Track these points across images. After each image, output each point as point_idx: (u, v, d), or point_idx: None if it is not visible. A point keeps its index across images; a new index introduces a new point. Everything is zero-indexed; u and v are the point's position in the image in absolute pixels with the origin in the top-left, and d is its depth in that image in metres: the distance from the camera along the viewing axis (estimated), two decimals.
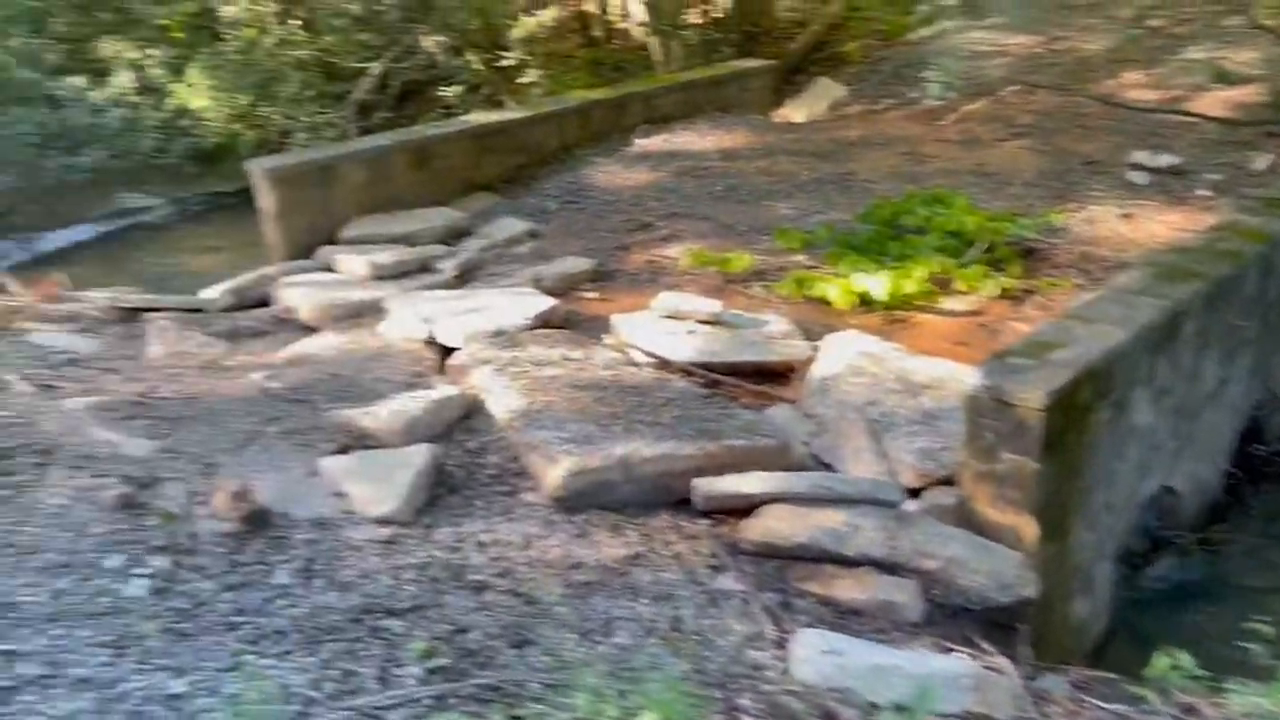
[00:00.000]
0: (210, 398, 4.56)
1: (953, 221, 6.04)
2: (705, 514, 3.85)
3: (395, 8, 12.62)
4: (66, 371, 4.85)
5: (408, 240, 7.07)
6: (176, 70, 12.16)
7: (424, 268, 6.57)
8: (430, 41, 13.44)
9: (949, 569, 3.52)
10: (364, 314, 5.73)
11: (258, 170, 7.14)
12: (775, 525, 3.58)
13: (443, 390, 4.49)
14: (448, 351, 5.13)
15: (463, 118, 8.68)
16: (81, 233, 12.11)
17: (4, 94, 11.92)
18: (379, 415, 4.17)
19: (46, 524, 3.06)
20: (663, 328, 5.13)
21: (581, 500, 3.76)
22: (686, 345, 4.96)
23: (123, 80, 11.79)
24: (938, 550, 3.52)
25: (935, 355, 4.85)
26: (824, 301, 5.59)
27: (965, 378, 3.93)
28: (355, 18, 12.72)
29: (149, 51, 11.78)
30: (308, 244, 7.20)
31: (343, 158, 7.41)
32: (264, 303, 6.30)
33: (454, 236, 7.33)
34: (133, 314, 5.89)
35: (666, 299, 5.35)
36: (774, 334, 5.18)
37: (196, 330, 5.59)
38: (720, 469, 3.89)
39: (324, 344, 5.28)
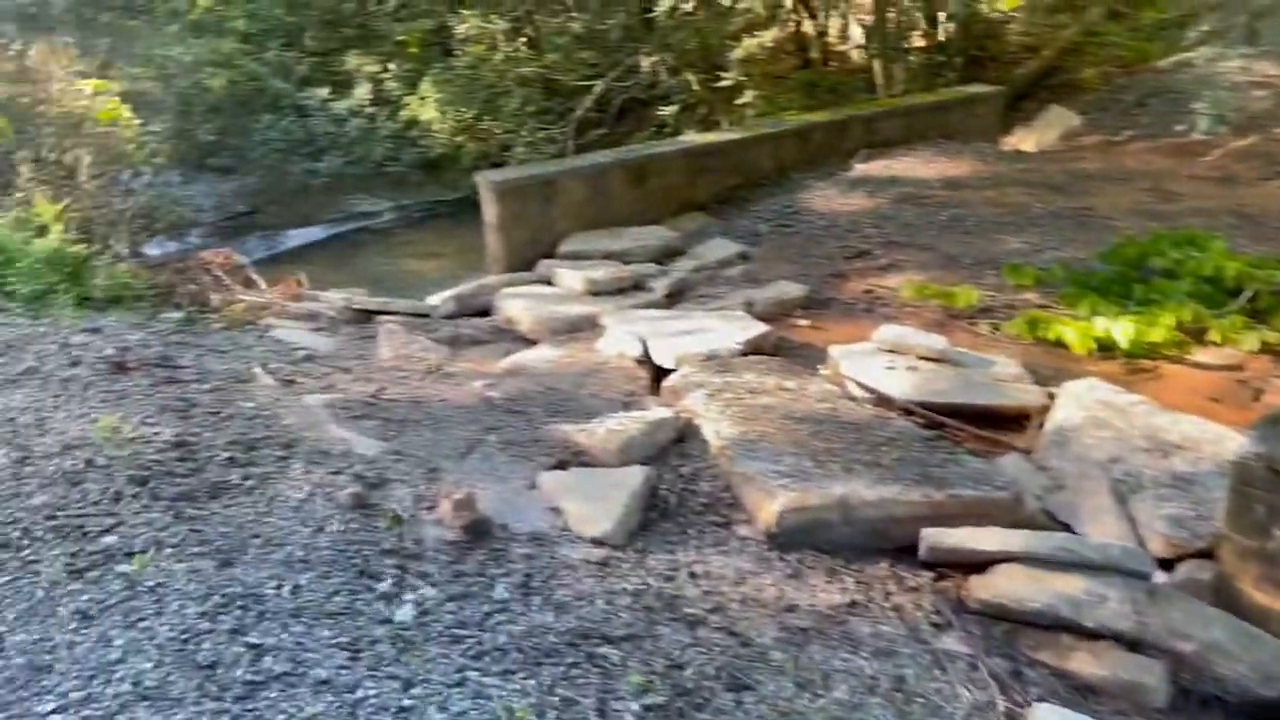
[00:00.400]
0: (434, 403, 4.70)
1: (1208, 266, 5.54)
2: (927, 565, 3.63)
3: (617, 27, 12.91)
4: (305, 367, 5.13)
5: (622, 257, 7.14)
6: (410, 84, 12.86)
7: (637, 286, 6.60)
8: (649, 61, 13.70)
9: (1205, 654, 3.17)
10: (580, 329, 5.80)
11: (484, 183, 7.38)
12: (1009, 586, 3.33)
13: (657, 412, 4.45)
14: (661, 371, 5.11)
15: (680, 137, 8.73)
16: (316, 233, 12.98)
17: (258, 103, 12.94)
18: (595, 433, 4.17)
19: (288, 518, 3.20)
20: (882, 362, 4.93)
21: (796, 539, 3.62)
22: (908, 382, 4.74)
23: (362, 92, 12.54)
24: (1194, 631, 3.17)
25: (1186, 412, 4.43)
26: (1059, 345, 5.24)
27: (1227, 440, 3.55)
28: (577, 37, 13.08)
29: (388, 66, 12.47)
30: (527, 256, 7.39)
31: (564, 173, 7.57)
32: (485, 312, 6.50)
33: (666, 256, 7.34)
34: (365, 315, 6.20)
35: (887, 332, 5.14)
36: (1003, 376, 4.88)
37: (422, 335, 5.81)
38: (946, 519, 3.66)
39: (541, 356, 5.36)
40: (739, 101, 10.62)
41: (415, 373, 5.23)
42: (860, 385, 4.77)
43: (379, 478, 3.79)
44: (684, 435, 4.38)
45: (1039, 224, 6.90)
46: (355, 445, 4.08)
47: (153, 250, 10.88)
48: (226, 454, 3.68)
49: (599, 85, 11.21)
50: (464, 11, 12.22)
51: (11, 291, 5.25)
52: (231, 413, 4.12)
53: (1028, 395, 4.70)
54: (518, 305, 6.20)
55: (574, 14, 12.75)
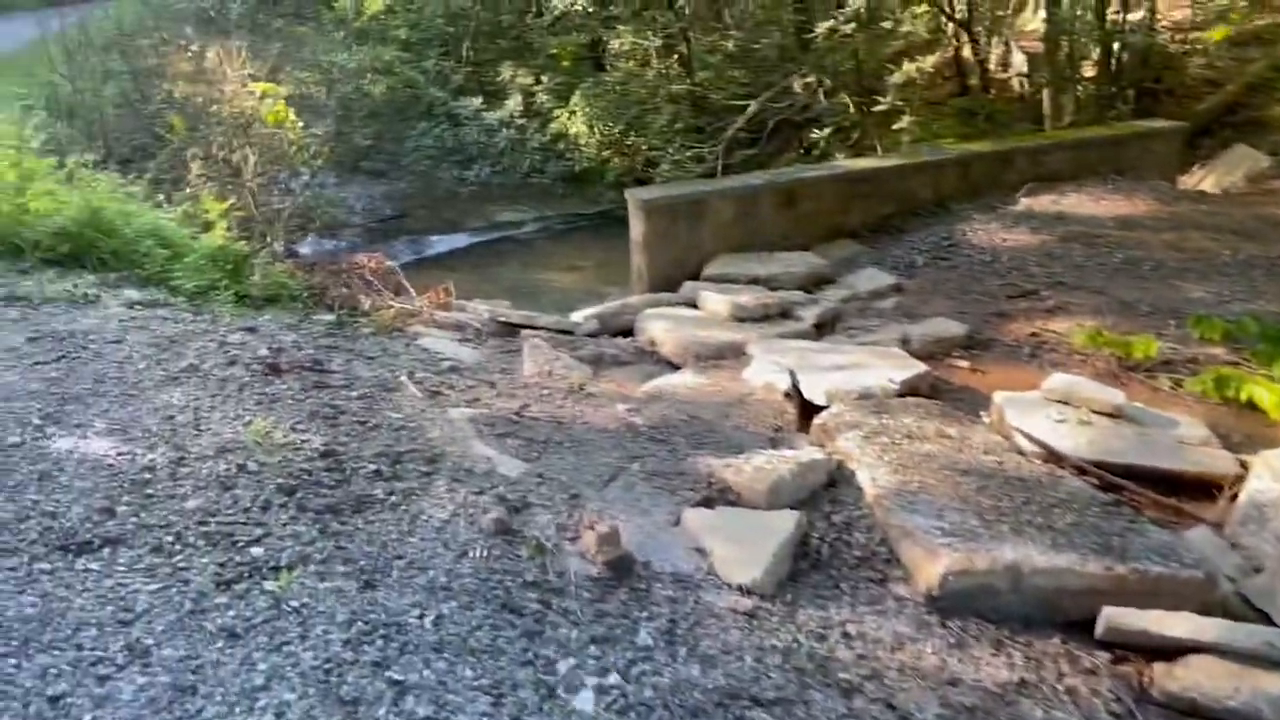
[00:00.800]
0: (577, 424, 4.60)
1: None
2: (1104, 645, 3.31)
3: (772, 46, 12.74)
4: (451, 379, 5.10)
5: (769, 283, 6.94)
6: (561, 97, 12.97)
7: (784, 313, 6.38)
8: (801, 83, 13.47)
9: None
10: (725, 356, 5.63)
11: (633, 200, 7.29)
12: (1203, 681, 2.99)
13: (807, 452, 4.23)
14: (810, 407, 4.89)
15: (834, 162, 8.47)
16: (460, 240, 13.22)
17: (413, 110, 13.28)
18: (743, 470, 3.98)
19: (431, 539, 3.12)
20: (1052, 414, 4.59)
21: (959, 604, 3.35)
22: (1081, 438, 4.39)
23: (514, 103, 12.70)
24: None
25: None
26: (1250, 407, 4.78)
27: None
28: (729, 55, 12.96)
29: (540, 78, 12.61)
30: (672, 276, 7.27)
31: (714, 194, 7.42)
32: (628, 331, 6.39)
33: (815, 283, 7.11)
34: (510, 329, 6.17)
35: (1057, 381, 4.79)
36: (1188, 439, 4.47)
37: (565, 352, 5.73)
38: (1127, 595, 3.33)
39: (685, 382, 5.21)
40: (895, 127, 10.28)
41: (558, 391, 5.15)
42: (1028, 438, 4.44)
43: (521, 501, 3.69)
44: (836, 479, 4.14)
45: (1226, 272, 6.38)
46: (498, 464, 4.00)
47: (305, 249, 11.25)
48: (372, 466, 3.64)
49: (752, 105, 11.00)
50: (619, 27, 12.22)
51: (177, 286, 5.41)
52: (378, 422, 4.10)
53: (1217, 462, 4.29)
54: (661, 327, 6.06)
55: (728, 32, 12.62)
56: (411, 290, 6.70)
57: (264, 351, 4.61)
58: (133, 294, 5.03)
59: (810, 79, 12.16)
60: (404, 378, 4.86)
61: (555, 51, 13.01)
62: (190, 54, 10.32)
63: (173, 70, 10.83)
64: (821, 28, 9.91)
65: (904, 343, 5.78)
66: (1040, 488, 3.95)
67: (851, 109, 9.99)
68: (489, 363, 5.54)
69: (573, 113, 13.00)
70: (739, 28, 12.50)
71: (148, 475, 3.14)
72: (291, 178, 9.84)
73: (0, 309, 4.53)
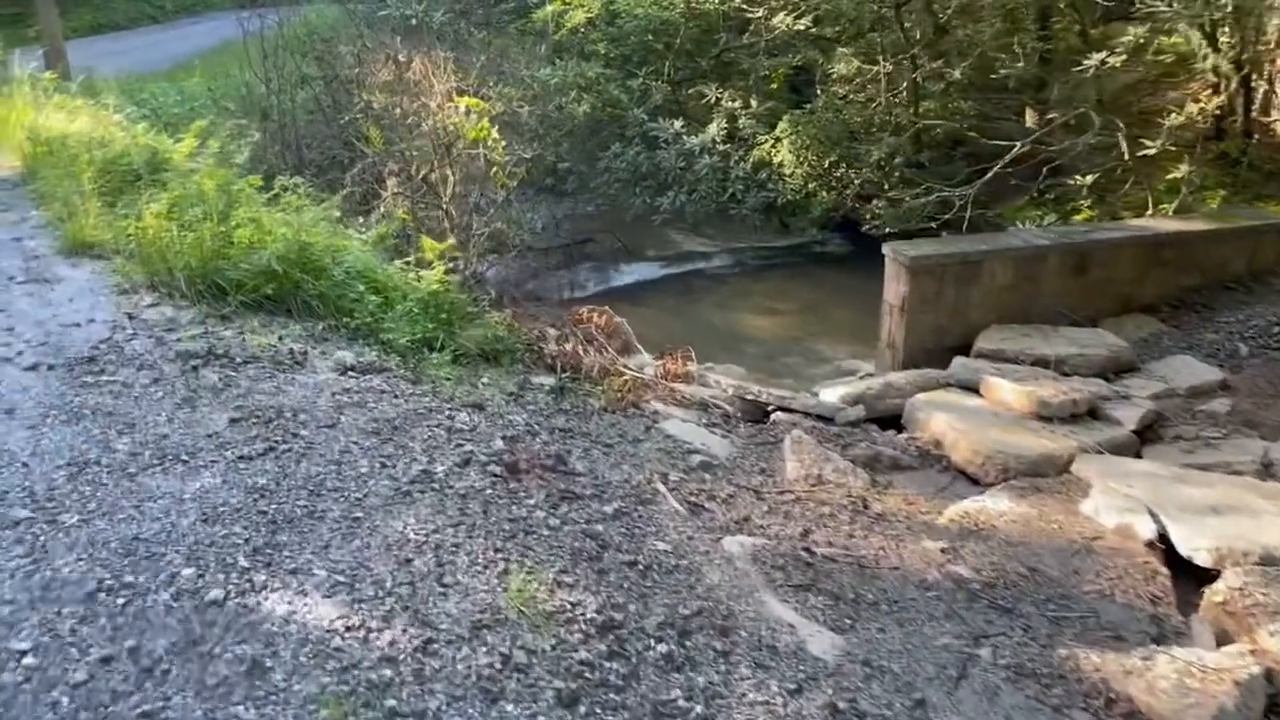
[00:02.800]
0: (884, 570, 3.55)
1: None
2: None
3: (1011, 75, 11.39)
4: (708, 482, 4.14)
5: (1059, 365, 5.75)
6: (768, 123, 11.94)
7: (1093, 411, 5.18)
8: (1035, 117, 12.07)
9: None
10: (1043, 472, 4.49)
11: (895, 256, 6.20)
12: None
13: (1230, 658, 3.06)
14: (1188, 566, 3.71)
15: (1128, 221, 7.17)
16: (649, 271, 12.33)
17: (607, 129, 12.47)
18: (1155, 685, 2.86)
19: None
20: None
21: None
22: None
23: (716, 127, 11.74)
24: None
25: None
26: None
27: None
28: (953, 84, 11.67)
29: (749, 101, 11.61)
30: (931, 348, 6.18)
31: (991, 254, 6.27)
32: (894, 419, 5.33)
33: (1115, 370, 5.86)
34: (758, 408, 5.19)
35: None
36: None
37: (832, 448, 4.70)
38: None
39: (1003, 512, 4.09)
40: (1171, 176, 8.82)
41: (839, 507, 4.12)
42: None
43: (852, 709, 2.68)
44: (1277, 700, 2.98)
45: None
46: (805, 638, 3.01)
47: (488, 271, 10.59)
48: (660, 646, 2.69)
49: (1018, 145, 9.60)
50: (839, 49, 11.13)
51: (389, 341, 4.63)
52: (648, 563, 3.15)
53: None
54: (944, 422, 4.96)
55: (957, 57, 11.33)
56: (641, 349, 5.79)
57: (499, 443, 3.74)
58: (344, 355, 4.24)
59: (1057, 114, 10.77)
60: (658, 484, 3.91)
61: (768, 73, 11.97)
62: (393, 63, 9.75)
63: (371, 79, 10.31)
64: (1093, 59, 8.57)
65: (1266, 467, 4.52)
66: None
67: (1126, 153, 8.61)
68: (744, 458, 4.55)
69: (778, 140, 11.96)
70: (965, 54, 11.18)
71: (388, 673, 2.26)
72: (481, 198, 9.11)
73: (200, 371, 3.79)
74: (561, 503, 3.45)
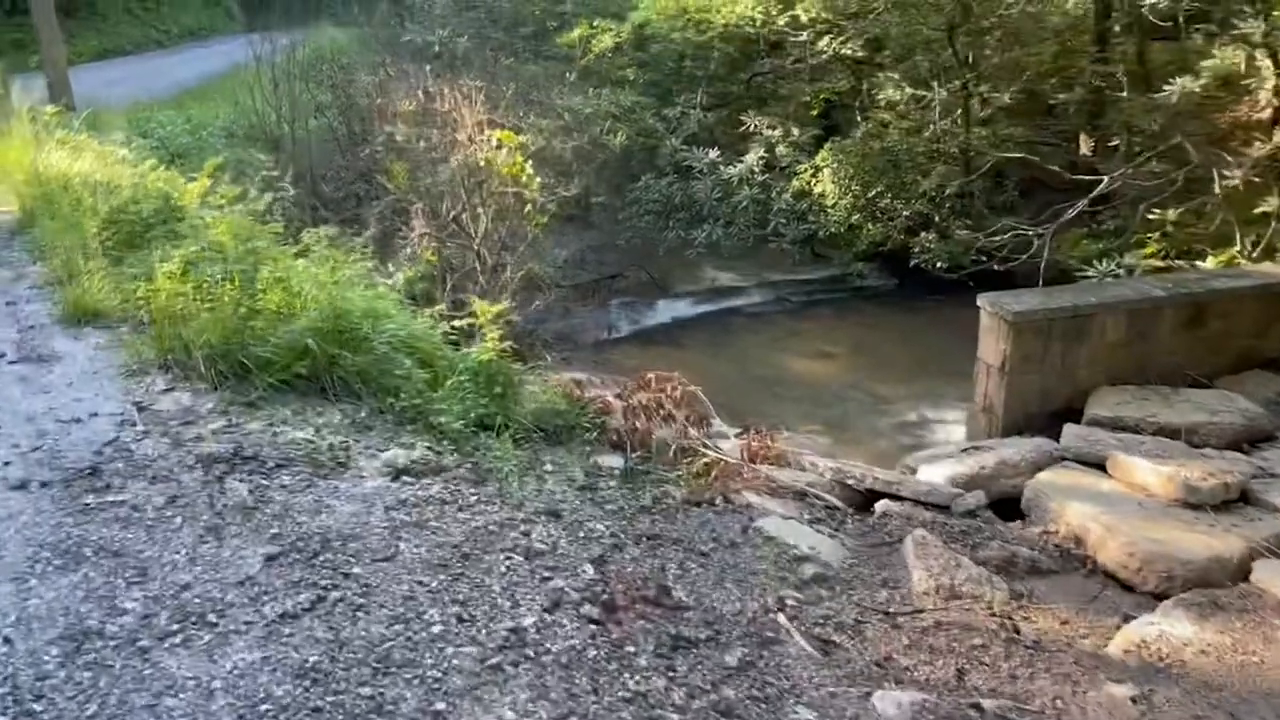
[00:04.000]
0: None
1: None
2: None
3: (1070, 101, 10.77)
4: (826, 600, 3.46)
5: (1189, 436, 5.08)
6: (809, 152, 11.30)
7: (1244, 496, 4.50)
8: (1089, 144, 11.44)
9: None
10: (1215, 580, 3.80)
11: (995, 309, 5.54)
12: None
13: None
14: None
15: (1256, 268, 6.49)
16: (683, 308, 11.65)
17: (636, 159, 11.83)
18: None
19: None
20: None
21: None
22: None
23: (754, 156, 11.09)
24: None
25: None
26: None
27: None
28: (1003, 109, 11.03)
29: (790, 130, 10.96)
30: (1035, 412, 5.53)
31: (1102, 307, 5.60)
32: (1012, 502, 4.66)
33: (1250, 439, 5.19)
34: (861, 494, 4.51)
35: None
36: None
37: (959, 548, 4.02)
38: None
39: (1187, 640, 3.39)
40: (1260, 210, 8.14)
41: (987, 633, 3.43)
42: None
43: None
44: None
45: None
46: None
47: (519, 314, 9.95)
48: None
49: (1104, 181, 8.90)
50: (885, 74, 10.49)
51: (442, 426, 3.96)
52: None
53: None
54: (1082, 513, 4.28)
55: (1005, 82, 10.68)
56: (716, 417, 5.12)
57: (587, 570, 3.07)
58: (394, 454, 3.56)
59: (1119, 141, 10.16)
60: (779, 616, 3.24)
61: (809, 99, 11.33)
62: (420, 93, 9.13)
63: (393, 110, 9.68)
64: (1177, 85, 7.92)
65: None
66: None
67: (1218, 186, 7.93)
68: (861, 565, 3.87)
69: (817, 169, 11.32)
70: (1014, 78, 10.54)
71: None
72: (509, 235, 8.48)
73: (226, 482, 3.13)
74: (675, 653, 2.78)
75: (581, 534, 3.42)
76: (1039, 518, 4.47)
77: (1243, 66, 8.89)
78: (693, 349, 10.23)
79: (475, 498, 3.43)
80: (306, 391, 4.00)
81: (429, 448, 3.81)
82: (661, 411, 4.93)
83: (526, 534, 3.24)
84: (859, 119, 11.47)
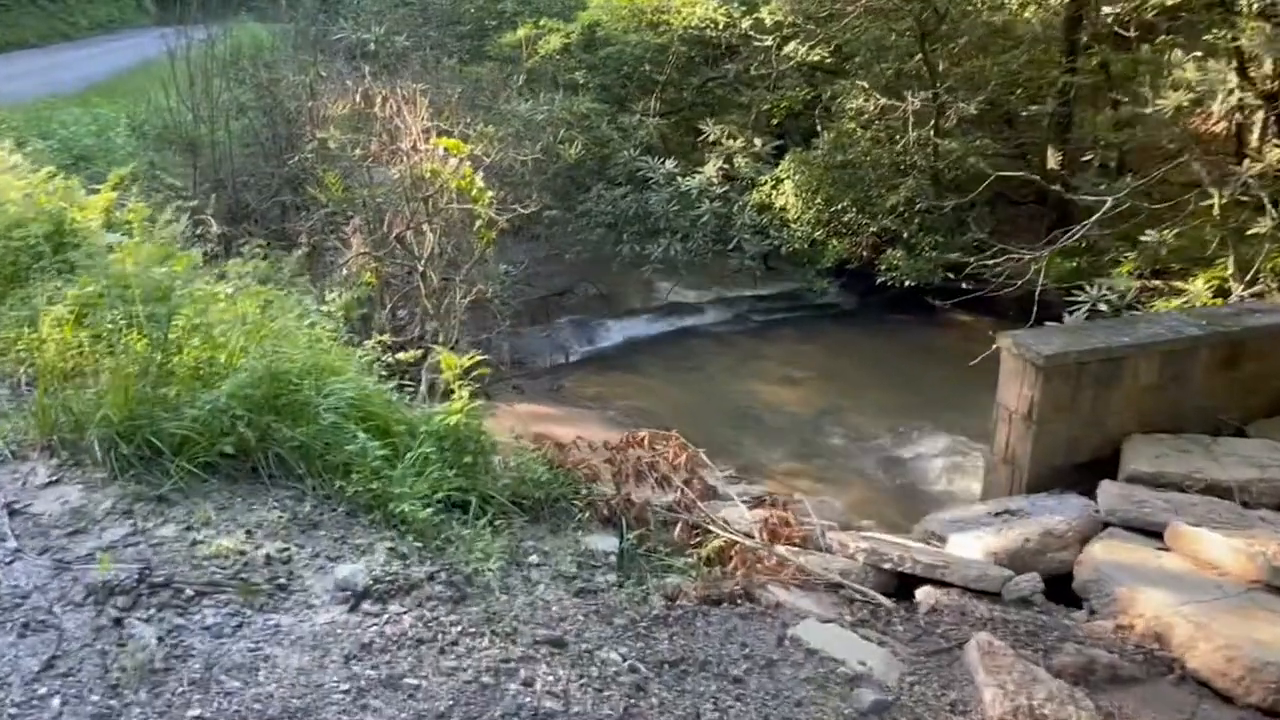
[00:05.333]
0: None
1: None
2: None
3: (1042, 113, 10.32)
4: None
5: (1239, 494, 4.54)
6: (768, 163, 10.67)
7: None
8: (1057, 157, 11.01)
9: None
10: None
11: (1019, 351, 4.95)
12: None
13: None
14: None
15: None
16: (638, 327, 10.93)
17: (589, 169, 11.07)
18: None
19: None
20: None
21: None
22: None
23: (712, 168, 10.44)
24: None
25: None
26: None
27: None
28: (968, 119, 10.54)
29: (753, 140, 10.32)
30: (1061, 464, 4.98)
31: (1137, 347, 5.04)
32: (1062, 581, 4.05)
33: None
34: (900, 579, 3.86)
35: None
36: None
37: (1030, 656, 3.38)
38: None
39: None
40: (1252, 231, 7.72)
41: None
42: None
43: None
44: None
45: None
46: None
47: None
48: None
49: (1109, 201, 8.30)
50: (857, 83, 9.92)
51: (405, 515, 3.19)
52: None
53: None
54: (1158, 604, 3.68)
55: (970, 91, 10.17)
56: (718, 474, 4.42)
57: None
58: (350, 569, 2.78)
59: (1092, 155, 9.75)
60: None
61: (770, 107, 10.70)
62: (354, 96, 8.25)
63: (324, 113, 8.78)
64: (1171, 98, 7.45)
65: None
66: None
67: (1216, 204, 7.44)
68: (921, 682, 3.20)
69: (779, 181, 10.71)
70: (981, 87, 10.07)
71: None
72: (463, 255, 7.68)
73: (126, 625, 2.33)
74: None
75: (594, 671, 2.68)
76: (1104, 606, 3.86)
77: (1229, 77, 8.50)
78: (653, 374, 9.53)
79: (458, 628, 2.67)
80: (234, 476, 3.19)
81: (392, 549, 3.03)
82: (655, 473, 4.21)
83: (529, 683, 2.50)
84: (821, 129, 10.90)
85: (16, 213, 4.99)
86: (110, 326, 3.67)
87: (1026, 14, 10.79)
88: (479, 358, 4.12)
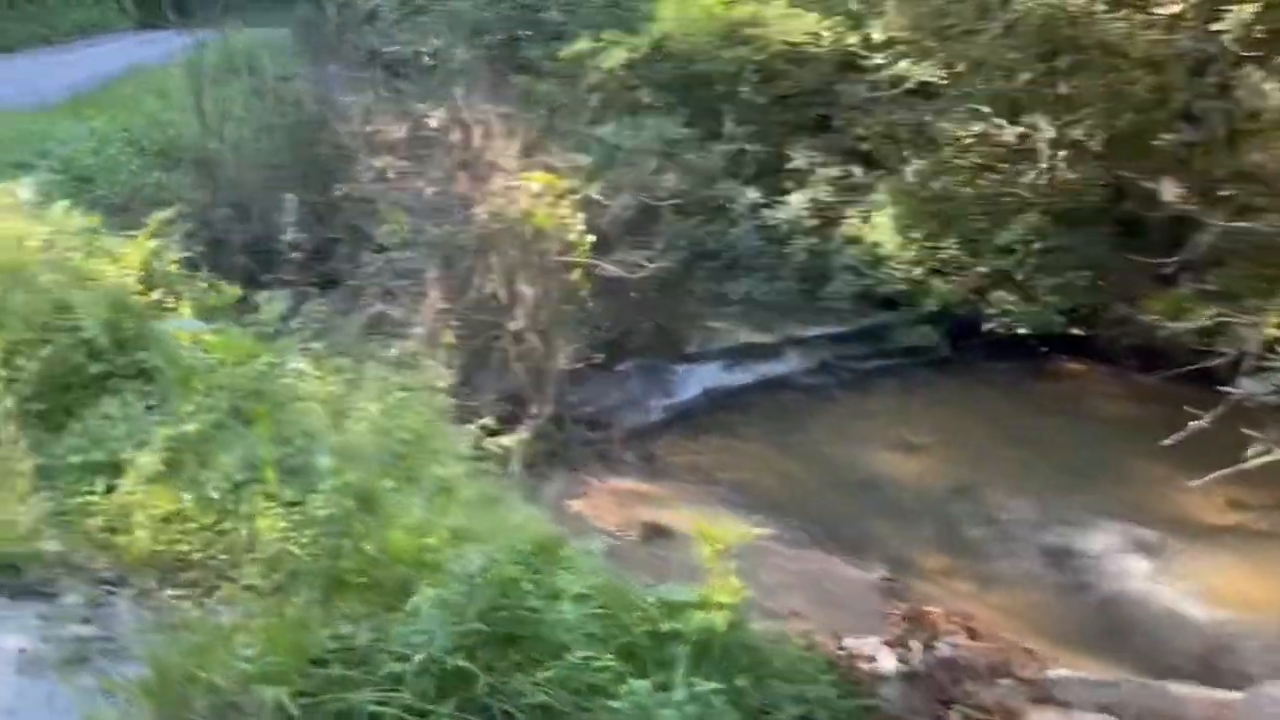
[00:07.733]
0: None
1: None
2: None
3: (1175, 140, 9.25)
4: None
5: None
6: (865, 192, 9.55)
7: None
8: (1178, 188, 9.98)
9: None
10: None
11: None
12: None
13: None
14: None
15: None
16: (713, 375, 9.65)
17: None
18: None
19: None
20: None
21: None
22: None
23: (801, 199, 9.30)
24: None
25: None
26: None
27: None
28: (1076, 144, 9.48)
29: (850, 170, 9.20)
30: None
31: None
32: None
33: None
34: None
35: None
36: None
37: None
38: None
39: None
40: None
41: None
42: None
43: None
44: None
45: None
46: None
47: None
48: None
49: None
50: (971, 106, 8.81)
51: None
52: None
53: None
54: None
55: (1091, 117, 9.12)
56: (1043, 668, 3.24)
57: None
58: None
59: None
60: None
61: (868, 132, 9.54)
62: (419, 119, 7.04)
63: (380, 138, 7.52)
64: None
65: None
66: None
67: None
68: None
69: (874, 215, 9.58)
70: (1116, 112, 9.03)
71: None
72: (561, 311, 6.51)
73: None
74: None
75: None
76: None
77: None
78: (750, 438, 8.32)
79: None
80: None
81: None
82: (970, 671, 3.03)
83: None
84: (916, 155, 9.77)
85: (51, 282, 3.74)
86: (224, 486, 2.46)
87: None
88: None
